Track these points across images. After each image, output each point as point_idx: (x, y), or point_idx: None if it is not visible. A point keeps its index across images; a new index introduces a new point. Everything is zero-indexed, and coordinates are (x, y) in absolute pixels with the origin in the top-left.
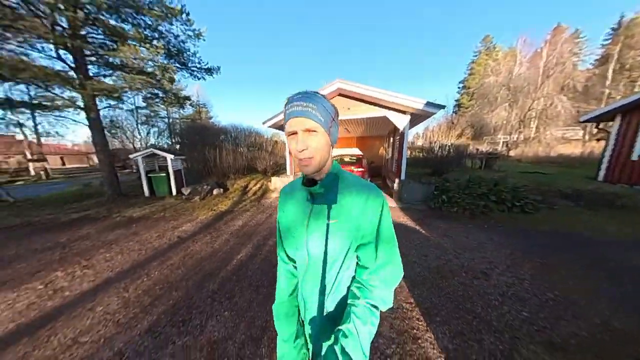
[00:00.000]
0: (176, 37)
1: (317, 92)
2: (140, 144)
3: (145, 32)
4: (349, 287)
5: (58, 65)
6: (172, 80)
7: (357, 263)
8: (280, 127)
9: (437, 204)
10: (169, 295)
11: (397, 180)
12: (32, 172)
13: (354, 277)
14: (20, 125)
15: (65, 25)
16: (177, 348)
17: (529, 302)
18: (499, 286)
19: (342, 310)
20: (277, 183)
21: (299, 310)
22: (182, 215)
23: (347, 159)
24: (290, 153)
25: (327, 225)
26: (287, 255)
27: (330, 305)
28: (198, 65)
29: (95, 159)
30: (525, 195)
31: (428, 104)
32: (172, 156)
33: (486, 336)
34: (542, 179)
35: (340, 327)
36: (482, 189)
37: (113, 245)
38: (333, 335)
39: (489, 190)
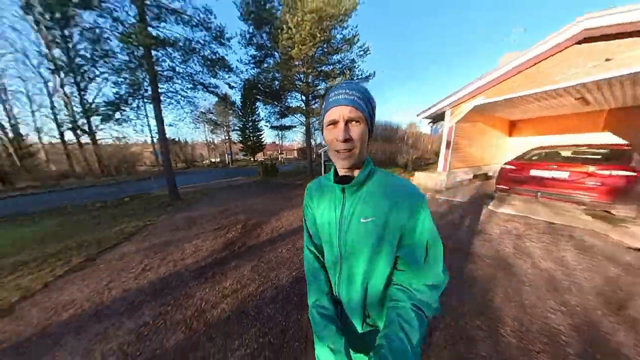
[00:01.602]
0: (352, 61)
1: (360, 82)
2: (315, 142)
3: (336, 66)
4: (386, 292)
5: (298, 103)
6: None
7: (396, 267)
8: (438, 118)
9: None
10: None
11: None
12: (279, 159)
13: (392, 281)
14: (279, 136)
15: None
16: None
17: None
18: None
19: (381, 315)
20: (421, 179)
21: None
22: None
23: (568, 154)
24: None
25: (361, 224)
26: (319, 251)
27: (369, 310)
28: (360, 77)
29: (295, 153)
30: None
31: None
32: None
33: None
34: None
35: (386, 332)
36: None
37: None
38: (378, 341)
39: None
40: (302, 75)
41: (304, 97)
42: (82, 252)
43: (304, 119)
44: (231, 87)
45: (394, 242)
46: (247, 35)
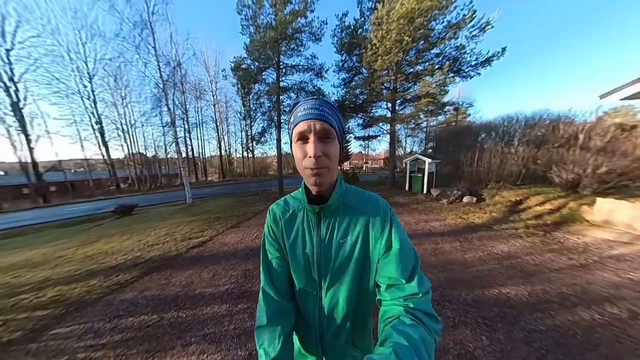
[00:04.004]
0: (457, 47)
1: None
2: (404, 151)
3: (433, 61)
4: (371, 316)
5: (383, 112)
6: (446, 92)
7: (378, 285)
8: None
9: None
10: (432, 273)
11: None
12: (364, 169)
13: (380, 301)
14: (363, 146)
15: (390, 86)
16: None
17: None
18: None
19: (369, 343)
20: (614, 213)
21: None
22: (431, 212)
23: None
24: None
25: (341, 245)
26: (278, 292)
27: (356, 340)
28: (474, 63)
29: (381, 163)
30: None
31: None
32: (429, 160)
33: None
34: None
35: (392, 342)
36: None
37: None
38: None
39: None
40: (388, 84)
41: (389, 105)
42: (236, 219)
43: (389, 127)
44: None
45: (375, 260)
46: (340, 63)
